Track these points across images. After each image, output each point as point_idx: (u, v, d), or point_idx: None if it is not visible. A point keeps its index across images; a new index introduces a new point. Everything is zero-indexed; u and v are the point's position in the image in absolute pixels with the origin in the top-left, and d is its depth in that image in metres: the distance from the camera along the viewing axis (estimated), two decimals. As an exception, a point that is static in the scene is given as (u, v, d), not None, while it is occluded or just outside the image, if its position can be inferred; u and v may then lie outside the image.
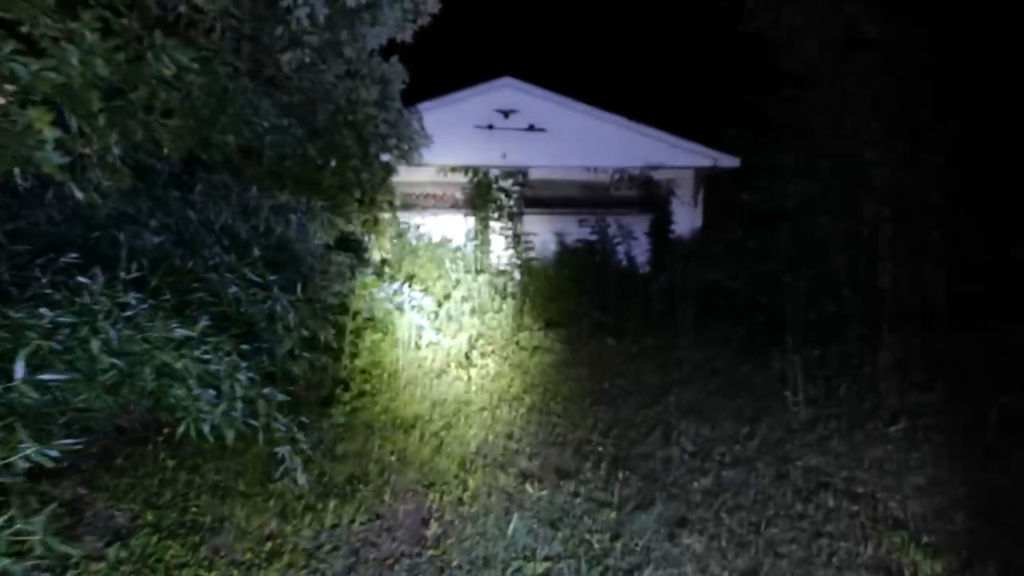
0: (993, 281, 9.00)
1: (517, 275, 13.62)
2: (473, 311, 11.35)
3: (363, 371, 8.48)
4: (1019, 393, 6.98)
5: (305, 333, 6.65)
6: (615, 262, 13.69)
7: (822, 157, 9.96)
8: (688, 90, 16.67)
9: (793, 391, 7.93)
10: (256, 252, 6.33)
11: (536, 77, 14.22)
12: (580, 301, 11.98)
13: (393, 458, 6.64)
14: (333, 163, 8.83)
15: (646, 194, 14.78)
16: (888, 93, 9.53)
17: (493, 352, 9.61)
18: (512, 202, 14.55)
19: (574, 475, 6.40)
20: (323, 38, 7.64)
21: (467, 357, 9.38)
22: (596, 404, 8.09)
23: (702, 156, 14.31)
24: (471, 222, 14.45)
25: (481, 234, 14.38)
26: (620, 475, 6.37)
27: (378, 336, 8.99)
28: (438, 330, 10.24)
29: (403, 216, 14.11)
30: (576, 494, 6.10)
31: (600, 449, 6.98)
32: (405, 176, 14.25)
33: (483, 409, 7.79)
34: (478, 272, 12.71)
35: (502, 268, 13.93)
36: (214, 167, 7.43)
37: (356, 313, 8.81)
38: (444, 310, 11.15)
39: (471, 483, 6.24)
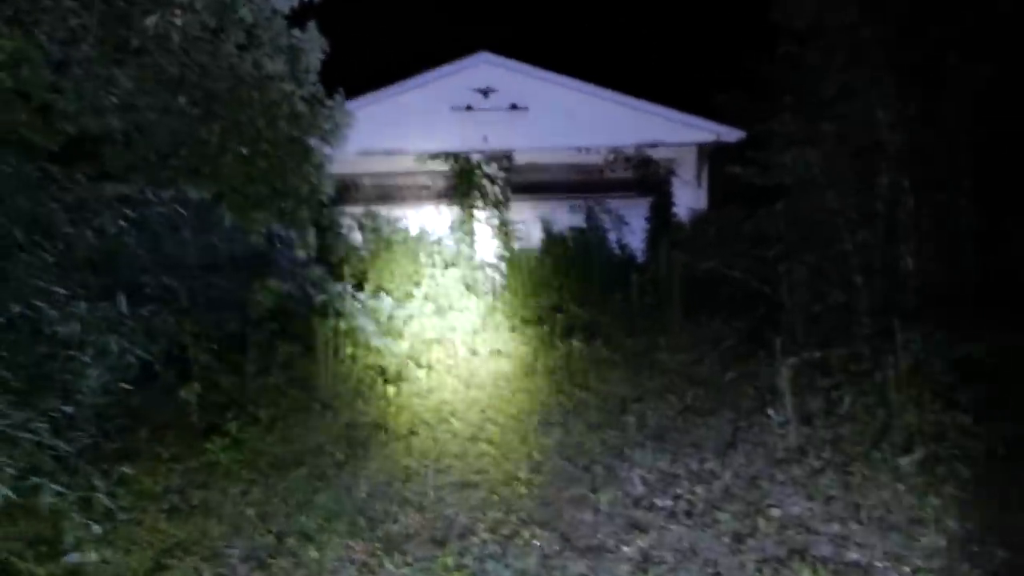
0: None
1: (502, 268, 11.95)
2: (437, 311, 9.71)
3: (275, 388, 6.95)
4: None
5: (141, 354, 5.13)
6: (605, 251, 11.86)
7: (826, 120, 7.98)
8: (682, 57, 14.65)
9: (780, 407, 6.10)
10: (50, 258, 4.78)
11: (516, 51, 12.45)
12: (561, 295, 10.25)
13: (252, 512, 5.07)
14: (243, 150, 7.25)
15: (644, 175, 12.90)
16: (904, 35, 7.51)
17: (439, 361, 7.96)
18: (497, 189, 12.85)
19: (462, 537, 4.71)
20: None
21: (411, 365, 7.75)
22: (543, 425, 6.40)
23: (703, 130, 12.35)
24: (454, 212, 12.79)
25: (465, 225, 12.72)
26: (527, 535, 4.66)
27: (295, 348, 7.39)
28: (385, 335, 8.65)
29: (382, 209, 12.57)
30: (447, 569, 4.40)
31: (522, 491, 5.29)
32: (382, 166, 12.71)
33: (398, 438, 6.17)
34: (447, 266, 11.05)
35: (486, 261, 12.27)
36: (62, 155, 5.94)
37: (261, 321, 7.24)
38: (404, 312, 9.56)
39: (316, 557, 4.55)
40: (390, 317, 9.24)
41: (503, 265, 11.96)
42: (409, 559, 4.42)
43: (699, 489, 5.16)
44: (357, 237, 12.05)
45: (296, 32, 7.65)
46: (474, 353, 8.22)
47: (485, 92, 12.37)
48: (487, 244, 12.66)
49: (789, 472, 5.32)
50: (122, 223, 5.52)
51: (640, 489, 5.22)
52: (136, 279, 6.26)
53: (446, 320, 9.39)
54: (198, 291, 6.83)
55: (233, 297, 7.12)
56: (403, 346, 8.34)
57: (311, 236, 7.59)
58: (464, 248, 12.40)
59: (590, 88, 12.38)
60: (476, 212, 12.75)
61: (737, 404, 6.56)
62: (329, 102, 7.53)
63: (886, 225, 7.96)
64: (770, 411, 5.97)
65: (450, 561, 4.39)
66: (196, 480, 5.53)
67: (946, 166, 7.46)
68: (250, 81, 7.29)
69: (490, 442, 6.09)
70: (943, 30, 7.27)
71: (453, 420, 6.45)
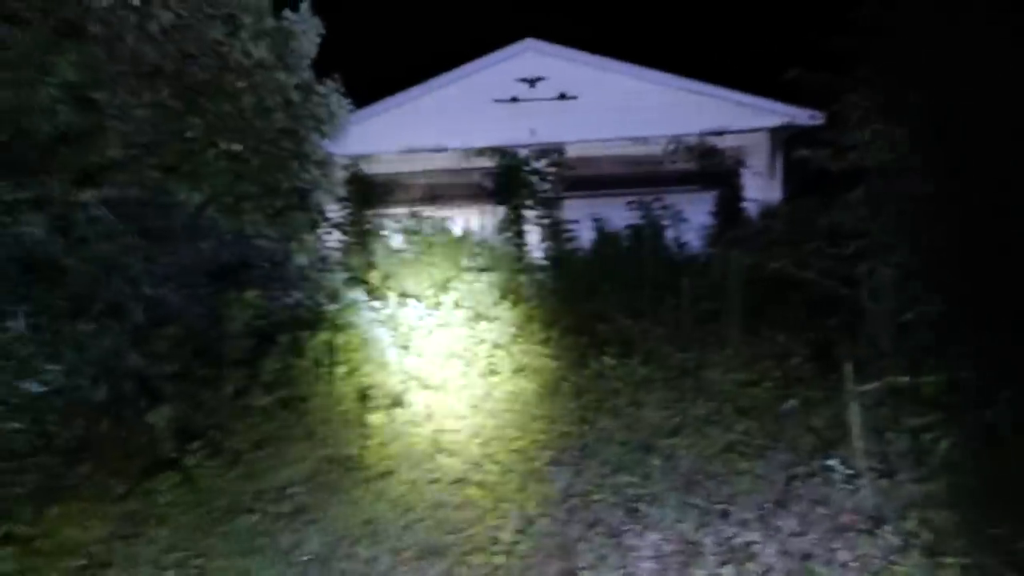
0: None
1: (547, 272, 10.63)
2: (466, 320, 8.53)
3: (258, 412, 5.92)
4: None
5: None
6: (661, 251, 10.34)
7: (914, 89, 6.27)
8: (749, 34, 12.85)
9: (851, 451, 4.55)
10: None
11: (564, 37, 11.12)
12: (608, 302, 8.84)
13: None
14: (230, 145, 6.30)
15: (708, 166, 11.27)
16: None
17: (452, 379, 6.75)
18: (547, 185, 11.55)
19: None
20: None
21: (416, 385, 6.57)
22: (551, 465, 5.08)
23: (774, 114, 10.65)
24: (502, 212, 11.57)
25: (513, 225, 11.48)
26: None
27: (291, 365, 6.30)
28: (402, 348, 7.53)
29: (428, 210, 11.51)
30: None
31: (497, 563, 4.00)
32: (426, 164, 11.65)
33: (370, 480, 4.99)
34: (484, 270, 9.83)
35: (531, 264, 10.99)
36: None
37: (239, 336, 6.19)
38: (430, 321, 8.42)
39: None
40: (412, 328, 8.13)
41: (548, 269, 10.65)
42: None
43: (727, 572, 3.73)
44: (397, 240, 11.05)
45: (288, 14, 6.65)
46: (494, 371, 6.96)
47: (532, 82, 11.10)
48: (537, 245, 11.39)
49: (856, 549, 3.80)
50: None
51: (648, 568, 3.84)
52: (89, 291, 5.38)
53: (475, 330, 8.19)
54: (168, 304, 5.90)
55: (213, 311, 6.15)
56: (417, 361, 7.19)
57: (310, 240, 6.53)
58: (510, 250, 11.21)
59: (646, 72, 10.92)
60: (525, 212, 11.50)
61: (796, 443, 5.03)
62: (322, 88, 6.47)
63: (993, 217, 6.16)
64: (832, 460, 4.40)
65: None
66: (125, 528, 4.55)
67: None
68: (237, 69, 6.35)
69: (480, 486, 4.83)
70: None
71: (444, 456, 5.23)
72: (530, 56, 10.99)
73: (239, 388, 5.88)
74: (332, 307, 7.41)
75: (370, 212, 11.47)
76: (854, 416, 4.50)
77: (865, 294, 6.26)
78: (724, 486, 4.56)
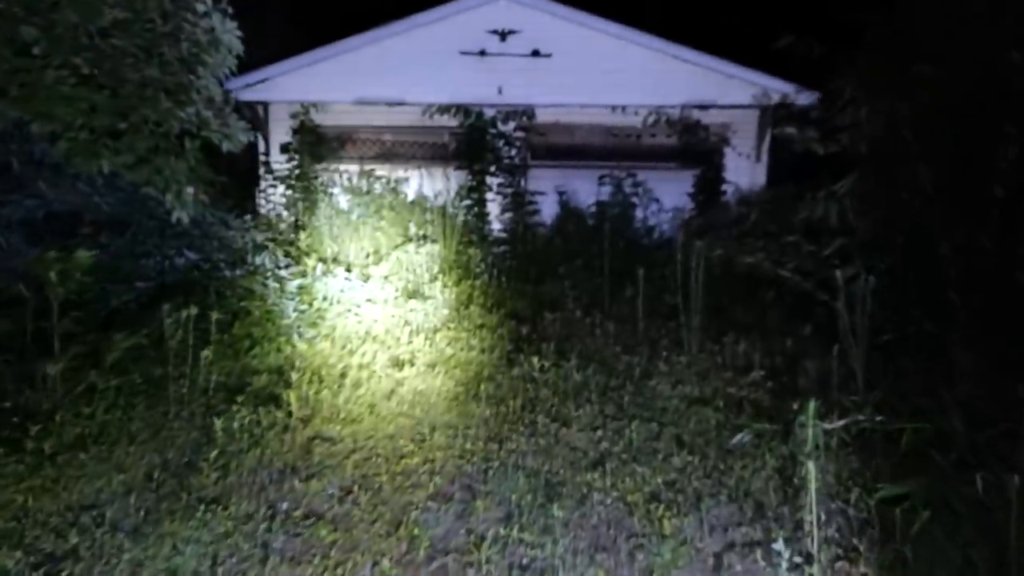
0: None
1: (503, 247, 9.42)
2: (397, 297, 7.34)
3: (96, 397, 4.72)
4: None
5: None
6: (629, 234, 9.13)
7: (921, 62, 4.99)
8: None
9: (800, 524, 3.41)
10: None
11: (541, -15, 9.72)
12: (562, 287, 7.67)
13: None
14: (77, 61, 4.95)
15: (690, 143, 10.01)
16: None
17: (353, 371, 5.56)
18: (513, 151, 10.27)
19: None
20: None
21: (309, 375, 5.37)
22: (422, 509, 3.89)
23: (768, 90, 9.36)
24: (463, 177, 10.30)
25: (474, 192, 10.23)
26: None
27: (128, 342, 5.07)
28: (311, 326, 6.35)
29: (382, 169, 10.23)
30: None
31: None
32: (382, 119, 10.33)
33: (203, 501, 3.82)
34: (420, 241, 8.62)
35: (488, 237, 9.76)
36: None
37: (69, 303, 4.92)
38: (354, 295, 7.23)
39: None
40: (329, 303, 6.94)
41: (506, 243, 9.44)
42: None
43: None
44: (343, 200, 9.79)
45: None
46: (407, 362, 5.79)
47: (503, 35, 9.74)
48: (497, 216, 10.16)
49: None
50: None
51: None
52: None
53: (402, 310, 7.02)
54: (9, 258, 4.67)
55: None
56: (323, 346, 6.02)
57: (186, 192, 5.25)
58: (467, 220, 9.97)
59: (629, 33, 9.57)
60: (487, 178, 10.23)
61: (742, 493, 3.90)
62: (200, 5, 5.12)
63: (1005, 218, 4.95)
64: (776, 542, 3.24)
65: None
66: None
67: None
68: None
69: (335, 527, 3.68)
70: None
71: (299, 481, 4.07)
72: (503, 5, 9.61)
73: (71, 368, 4.67)
74: (231, 273, 6.20)
75: (319, 167, 10.17)
76: (810, 475, 3.35)
77: (842, 302, 5.08)
78: (639, 554, 3.42)
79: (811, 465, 3.22)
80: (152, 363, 4.99)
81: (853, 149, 5.36)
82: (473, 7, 9.59)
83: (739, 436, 4.41)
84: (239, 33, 5.19)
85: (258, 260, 6.48)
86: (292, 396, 4.70)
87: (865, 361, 4.74)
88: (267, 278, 6.36)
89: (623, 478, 4.10)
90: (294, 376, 5.08)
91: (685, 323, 6.14)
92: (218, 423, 4.24)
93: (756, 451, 4.33)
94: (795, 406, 4.13)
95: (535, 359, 5.49)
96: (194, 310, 4.89)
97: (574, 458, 4.36)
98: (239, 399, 4.73)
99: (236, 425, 4.34)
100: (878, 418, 4.11)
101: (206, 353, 4.82)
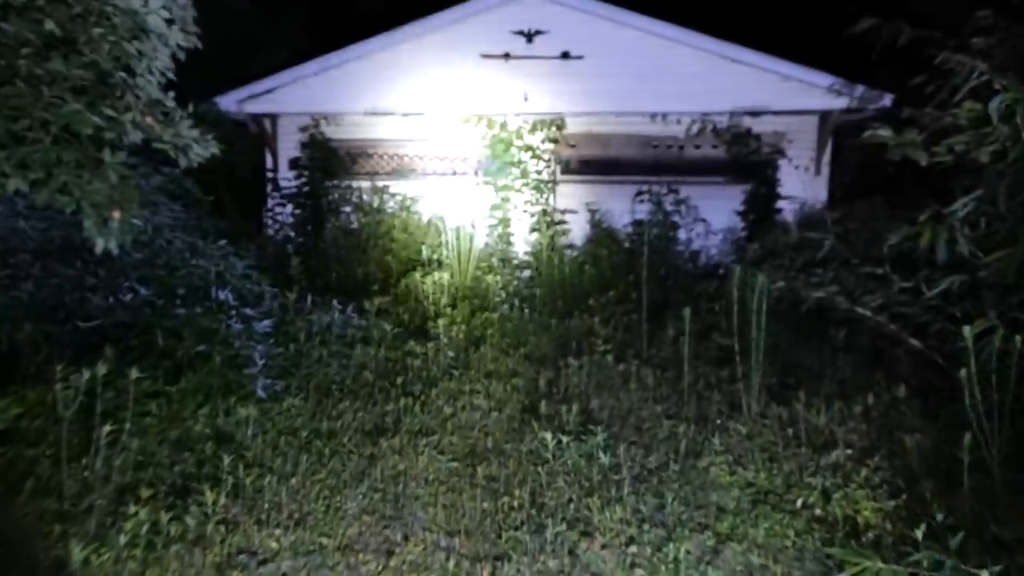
0: None
1: (526, 273, 8.07)
2: (395, 337, 6.02)
3: None
4: None
5: None
6: (671, 259, 7.66)
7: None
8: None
9: None
10: None
11: (571, -20, 8.37)
12: (592, 323, 6.30)
13: None
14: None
15: (739, 154, 8.53)
16: None
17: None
18: (541, 165, 8.92)
19: None
20: None
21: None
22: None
23: (830, 92, 7.83)
24: (486, 195, 8.98)
25: (497, 210, 8.91)
26: None
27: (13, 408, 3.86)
28: (285, 375, 5.08)
29: (397, 185, 8.99)
30: None
31: None
32: (397, 131, 9.10)
33: None
34: (432, 266, 7.31)
35: (512, 261, 8.42)
36: None
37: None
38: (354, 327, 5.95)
39: None
40: (313, 342, 5.67)
41: (531, 268, 8.08)
42: None
43: None
44: (352, 220, 8.58)
45: None
46: (388, 430, 4.45)
47: (529, 36, 8.44)
48: (524, 237, 8.82)
49: None
50: None
51: None
52: None
53: (398, 353, 5.71)
54: None
55: None
56: (292, 399, 4.73)
57: (112, 218, 3.99)
58: (488, 242, 8.67)
59: (672, 31, 8.18)
60: (513, 195, 8.90)
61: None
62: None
63: None
64: None
65: None
66: None
67: None
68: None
69: None
70: None
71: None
72: (529, 3, 8.31)
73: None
74: (187, 311, 4.97)
75: (330, 183, 8.97)
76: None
77: (972, 367, 3.56)
78: None
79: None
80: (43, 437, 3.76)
81: (974, 157, 3.85)
82: (496, 5, 8.32)
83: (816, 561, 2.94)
84: (195, 29, 3.90)
85: (222, 296, 5.21)
86: (209, 494, 3.36)
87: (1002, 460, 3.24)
88: (231, 317, 5.11)
89: (667, 634, 2.69)
90: (226, 458, 3.74)
91: (743, 375, 4.68)
92: (76, 552, 2.89)
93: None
94: (917, 533, 2.69)
95: (549, 435, 4.07)
96: (103, 369, 3.63)
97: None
98: (143, 494, 3.42)
99: (123, 539, 3.04)
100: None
101: (107, 428, 3.52)
